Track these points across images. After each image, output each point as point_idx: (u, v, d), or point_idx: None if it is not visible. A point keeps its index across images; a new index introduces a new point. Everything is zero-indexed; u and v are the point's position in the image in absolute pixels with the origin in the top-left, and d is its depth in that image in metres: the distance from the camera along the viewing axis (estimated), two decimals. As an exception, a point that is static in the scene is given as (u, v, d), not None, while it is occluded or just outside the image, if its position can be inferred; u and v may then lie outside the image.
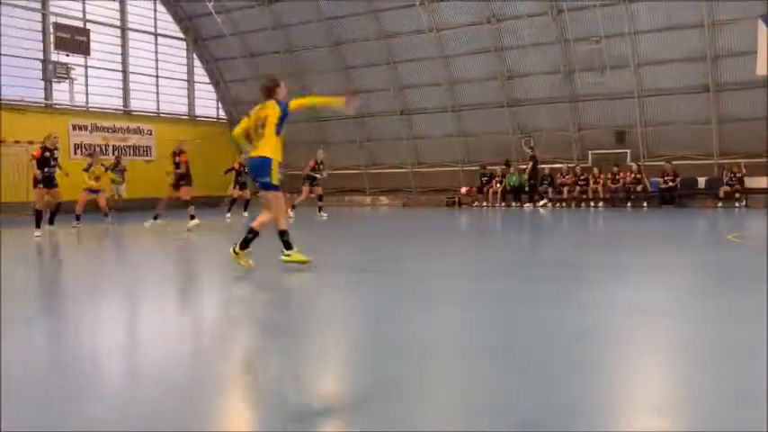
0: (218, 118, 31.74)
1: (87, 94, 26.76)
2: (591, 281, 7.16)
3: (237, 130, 8.09)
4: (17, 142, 23.40)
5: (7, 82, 24.69)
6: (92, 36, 26.46)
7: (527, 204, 25.00)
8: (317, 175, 20.37)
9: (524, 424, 2.83)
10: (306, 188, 20.59)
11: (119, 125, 27.26)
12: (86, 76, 26.69)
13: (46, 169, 14.49)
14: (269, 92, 7.85)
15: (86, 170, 17.61)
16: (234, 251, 7.70)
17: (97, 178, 17.67)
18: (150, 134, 28.03)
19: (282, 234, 7.76)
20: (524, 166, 25.30)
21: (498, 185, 25.83)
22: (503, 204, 25.54)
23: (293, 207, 20.21)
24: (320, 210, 20.23)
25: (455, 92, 26.69)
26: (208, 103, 31.41)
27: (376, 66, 27.47)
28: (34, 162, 14.58)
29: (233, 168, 21.26)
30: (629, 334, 4.59)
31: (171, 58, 29.86)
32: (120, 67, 28.02)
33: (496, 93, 25.81)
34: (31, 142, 21.81)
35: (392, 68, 27.33)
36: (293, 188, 30.16)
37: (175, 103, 30.04)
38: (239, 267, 7.63)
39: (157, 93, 29.29)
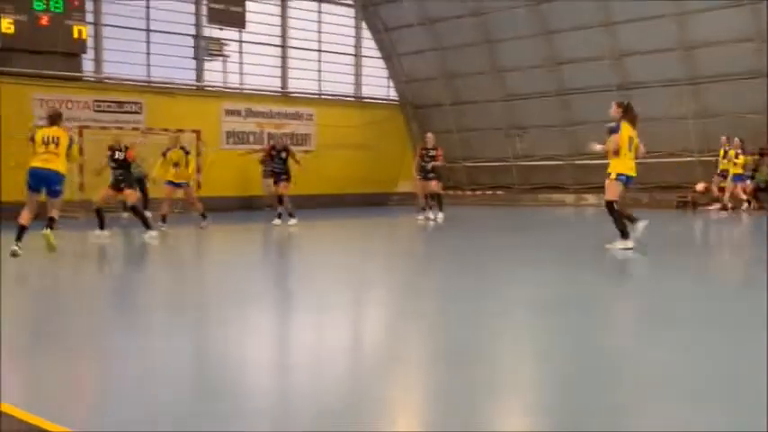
0: (388, 99, 27.52)
1: (241, 73, 23.57)
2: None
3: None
4: (165, 130, 19.97)
5: (155, 62, 22.00)
6: (247, 6, 23.00)
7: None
8: (428, 166, 16.98)
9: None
10: (419, 183, 17.39)
11: (275, 110, 23.93)
12: (240, 53, 23.44)
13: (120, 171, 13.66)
14: (54, 120, 10.04)
15: (164, 155, 14.99)
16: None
17: (176, 165, 14.74)
18: (311, 119, 24.53)
19: (22, 228, 9.34)
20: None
21: (749, 181, 20.12)
22: (752, 206, 19.69)
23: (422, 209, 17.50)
24: (431, 209, 17.12)
25: (695, 60, 20.72)
26: (377, 82, 27.32)
27: (585, 28, 21.99)
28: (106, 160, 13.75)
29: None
30: None
31: (336, 28, 26.00)
32: (278, 41, 24.56)
33: (746, 60, 19.68)
34: (180, 130, 18.88)
35: (608, 30, 21.82)
36: (474, 183, 25.72)
37: (340, 82, 26.21)
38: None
39: (319, 71, 25.54)
